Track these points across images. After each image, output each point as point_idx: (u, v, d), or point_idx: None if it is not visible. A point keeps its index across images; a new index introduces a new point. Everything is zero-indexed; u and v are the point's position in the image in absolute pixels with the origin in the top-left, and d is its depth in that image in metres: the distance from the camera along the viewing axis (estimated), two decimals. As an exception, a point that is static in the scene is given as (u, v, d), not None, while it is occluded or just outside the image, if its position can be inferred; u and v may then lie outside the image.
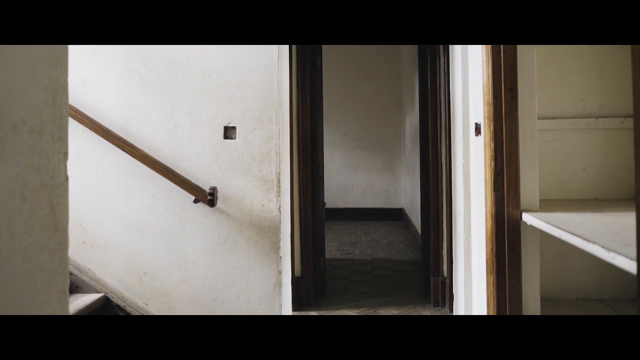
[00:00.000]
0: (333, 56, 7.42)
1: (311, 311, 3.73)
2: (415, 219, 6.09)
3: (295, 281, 3.68)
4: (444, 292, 3.68)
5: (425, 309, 3.74)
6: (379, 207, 7.84)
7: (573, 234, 1.43)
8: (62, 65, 1.52)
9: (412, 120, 6.39)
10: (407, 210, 7.36)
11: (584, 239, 1.35)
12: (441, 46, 3.54)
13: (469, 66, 2.33)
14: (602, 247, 1.25)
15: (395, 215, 7.75)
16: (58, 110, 1.50)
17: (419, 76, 4.06)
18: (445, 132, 3.49)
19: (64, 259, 1.50)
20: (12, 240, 1.26)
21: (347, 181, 7.91)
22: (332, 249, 5.89)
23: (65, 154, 1.54)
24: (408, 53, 6.54)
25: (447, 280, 3.59)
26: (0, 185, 1.22)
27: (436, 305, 3.74)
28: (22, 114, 1.30)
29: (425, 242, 3.88)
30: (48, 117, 1.44)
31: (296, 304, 3.69)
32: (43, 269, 1.40)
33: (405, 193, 7.53)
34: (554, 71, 2.26)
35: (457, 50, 2.53)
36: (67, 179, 1.56)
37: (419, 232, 4.94)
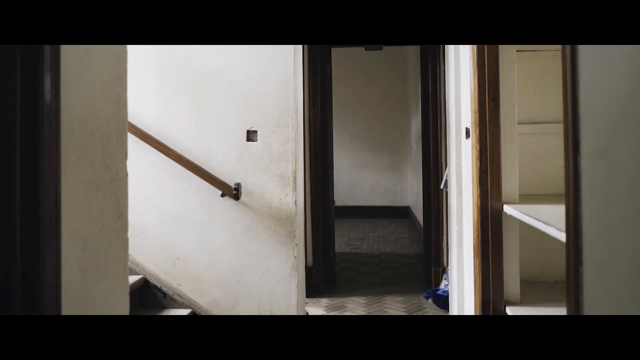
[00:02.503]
0: (342, 62, 7.74)
1: (322, 298, 4.07)
2: (421, 216, 6.39)
3: (307, 271, 4.01)
4: (444, 281, 4.00)
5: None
6: (386, 205, 8.16)
7: (537, 219, 1.75)
8: (123, 82, 1.90)
9: (417, 122, 6.70)
10: (412, 208, 7.67)
11: (545, 223, 1.68)
12: (442, 54, 3.86)
13: (461, 77, 2.66)
14: (556, 228, 1.58)
15: (402, 213, 8.06)
16: (121, 119, 1.88)
17: (421, 82, 4.38)
18: (445, 135, 3.81)
19: (125, 239, 1.88)
20: (92, 223, 1.64)
21: (355, 180, 8.23)
22: (341, 243, 6.22)
23: (125, 154, 1.92)
24: (413, 58, 6.85)
25: (449, 274, 3.91)
26: (83, 179, 1.59)
27: (437, 293, 4.07)
28: (97, 123, 1.68)
29: (427, 236, 4.21)
30: (114, 125, 1.82)
31: (308, 291, 4.02)
32: (111, 246, 1.77)
33: (411, 191, 7.84)
34: (536, 82, 2.57)
35: (450, 62, 2.86)
36: (127, 174, 1.93)
37: (423, 227, 5.24)
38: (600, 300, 1.07)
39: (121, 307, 1.91)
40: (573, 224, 1.18)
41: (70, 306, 1.45)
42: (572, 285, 1.19)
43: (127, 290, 1.97)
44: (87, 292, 1.63)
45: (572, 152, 1.18)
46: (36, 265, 1.33)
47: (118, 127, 1.86)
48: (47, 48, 1.31)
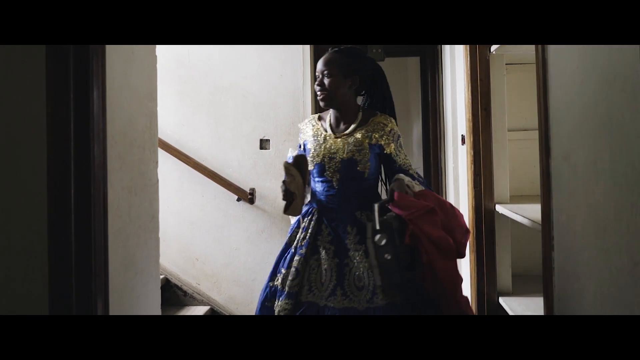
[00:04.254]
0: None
1: (329, 297, 4.28)
2: (423, 219, 6.58)
3: (315, 271, 4.22)
4: (445, 280, 4.21)
5: (429, 295, 4.27)
6: (389, 210, 8.35)
7: (523, 216, 1.97)
8: (154, 98, 2.14)
9: (418, 129, 6.92)
10: (415, 212, 7.86)
11: (529, 219, 1.90)
12: (440, 64, 4.09)
13: (456, 88, 2.89)
14: (538, 223, 1.79)
15: (405, 217, 8.25)
16: (153, 131, 2.11)
17: (421, 91, 4.62)
18: (444, 140, 4.04)
19: (157, 238, 2.10)
20: (131, 223, 1.87)
21: (359, 186, 8.43)
22: (346, 247, 6.42)
23: (156, 162, 2.14)
24: (414, 68, 7.09)
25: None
26: (124, 184, 1.83)
27: (438, 291, 4.27)
28: (134, 135, 1.91)
29: (429, 237, 4.42)
30: (147, 137, 2.05)
31: (316, 291, 4.24)
32: (146, 243, 2.00)
33: (414, 196, 8.04)
34: (525, 92, 2.79)
35: (447, 74, 3.09)
36: (157, 180, 2.15)
37: (425, 230, 5.43)
38: (566, 278, 1.29)
39: (154, 300, 2.13)
40: (546, 216, 1.40)
41: (114, 297, 1.66)
42: (546, 268, 1.41)
43: (159, 285, 2.20)
44: (127, 284, 1.85)
45: (545, 156, 1.40)
46: (89, 260, 1.55)
47: (150, 138, 2.10)
48: (95, 64, 1.53)
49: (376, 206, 1.76)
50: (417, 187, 1.84)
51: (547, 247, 1.39)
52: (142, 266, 1.98)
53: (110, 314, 1.62)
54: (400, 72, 8.23)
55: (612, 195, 1.05)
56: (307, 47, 3.09)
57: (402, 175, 1.86)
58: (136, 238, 1.91)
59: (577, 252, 1.22)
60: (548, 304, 1.40)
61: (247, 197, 2.92)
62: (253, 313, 3.00)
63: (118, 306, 1.69)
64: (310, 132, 2.02)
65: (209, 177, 2.96)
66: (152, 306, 2.07)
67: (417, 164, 7.21)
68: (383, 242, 1.72)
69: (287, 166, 1.88)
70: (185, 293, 3.00)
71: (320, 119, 2.06)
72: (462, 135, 2.75)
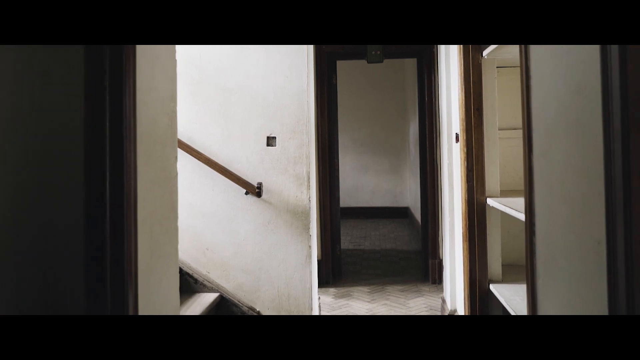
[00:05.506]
0: (346, 71, 8.18)
1: (330, 288, 4.49)
2: (419, 216, 6.79)
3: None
4: (440, 271, 4.41)
5: (424, 285, 4.48)
6: (386, 206, 8.58)
7: (511, 207, 2.17)
8: (174, 99, 2.33)
9: (415, 127, 7.13)
10: (412, 209, 8.08)
11: (515, 210, 2.09)
12: (436, 65, 4.28)
13: (451, 90, 3.08)
14: (523, 213, 1.99)
15: (402, 213, 8.47)
16: (173, 129, 2.30)
17: (418, 91, 4.81)
18: (441, 138, 4.24)
19: (176, 227, 2.29)
20: (155, 212, 2.06)
21: (358, 182, 8.65)
22: (345, 241, 6.63)
23: (176, 157, 2.33)
24: (411, 69, 7.29)
25: (443, 262, 4.33)
26: (148, 177, 2.01)
27: (434, 282, 4.48)
28: (158, 133, 2.10)
29: (425, 230, 4.63)
30: (168, 134, 2.24)
31: (317, 282, 4.43)
32: (167, 232, 2.19)
33: (410, 193, 8.26)
34: (515, 92, 2.99)
35: (442, 76, 3.28)
36: (177, 174, 2.34)
37: (421, 224, 5.64)
38: (545, 259, 1.49)
39: (174, 283, 2.32)
40: (529, 206, 1.60)
41: (142, 278, 1.86)
42: (528, 251, 1.60)
43: (177, 269, 2.39)
44: (152, 268, 2.04)
45: (527, 152, 1.60)
46: (121, 244, 1.74)
47: (171, 135, 2.29)
48: (127, 67, 1.72)
49: None
50: None
51: (529, 232, 1.59)
52: (164, 251, 2.17)
53: (139, 293, 1.81)
54: (397, 72, 8.44)
55: (581, 186, 1.24)
56: (311, 50, 3.26)
57: None
58: (159, 226, 2.10)
59: (553, 236, 1.42)
60: (530, 283, 1.59)
61: (255, 191, 3.11)
62: (259, 300, 3.20)
63: (144, 286, 1.88)
64: None
65: (219, 172, 3.15)
66: (171, 288, 2.26)
67: (414, 162, 7.41)
68: None
69: None
70: (196, 281, 3.19)
71: None
72: (456, 133, 2.95)
